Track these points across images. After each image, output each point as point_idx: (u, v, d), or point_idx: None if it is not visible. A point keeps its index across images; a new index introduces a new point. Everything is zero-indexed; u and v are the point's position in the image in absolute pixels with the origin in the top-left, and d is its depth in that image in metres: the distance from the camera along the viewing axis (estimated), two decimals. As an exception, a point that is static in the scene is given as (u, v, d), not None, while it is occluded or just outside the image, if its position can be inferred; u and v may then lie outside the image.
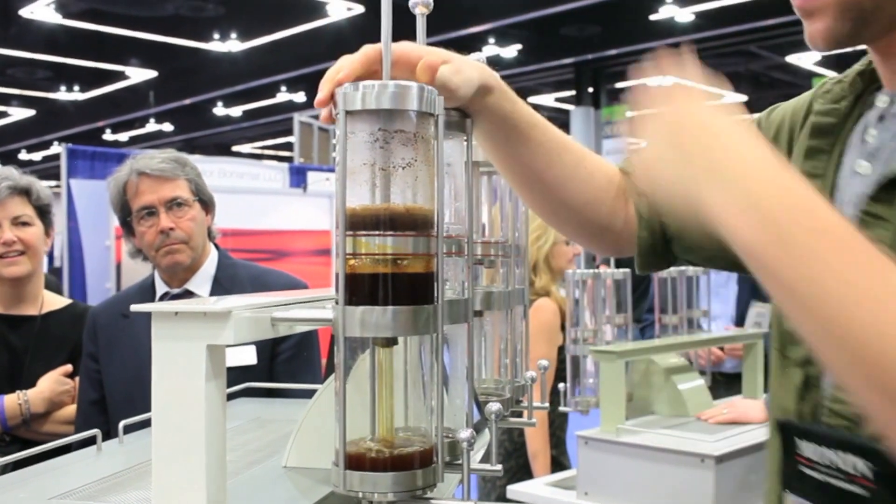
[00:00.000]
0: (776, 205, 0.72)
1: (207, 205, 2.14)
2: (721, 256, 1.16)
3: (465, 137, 1.00)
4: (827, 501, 0.89)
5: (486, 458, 1.04)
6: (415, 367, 0.88)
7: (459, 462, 0.89)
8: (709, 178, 0.76)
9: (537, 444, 3.14)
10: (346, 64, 0.88)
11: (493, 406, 0.95)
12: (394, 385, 0.85)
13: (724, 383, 3.15)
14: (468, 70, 0.95)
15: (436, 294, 0.83)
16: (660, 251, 1.19)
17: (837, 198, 0.97)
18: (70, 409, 2.20)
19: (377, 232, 0.81)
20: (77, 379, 2.22)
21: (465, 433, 0.84)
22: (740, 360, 3.20)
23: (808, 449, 0.92)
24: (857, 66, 1.03)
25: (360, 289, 0.80)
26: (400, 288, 0.81)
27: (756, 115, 1.18)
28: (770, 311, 1.08)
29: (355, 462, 0.81)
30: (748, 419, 2.58)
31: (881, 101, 0.97)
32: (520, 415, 1.21)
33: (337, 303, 0.81)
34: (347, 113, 0.81)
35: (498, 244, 1.17)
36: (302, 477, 1.08)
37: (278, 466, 1.13)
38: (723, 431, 2.46)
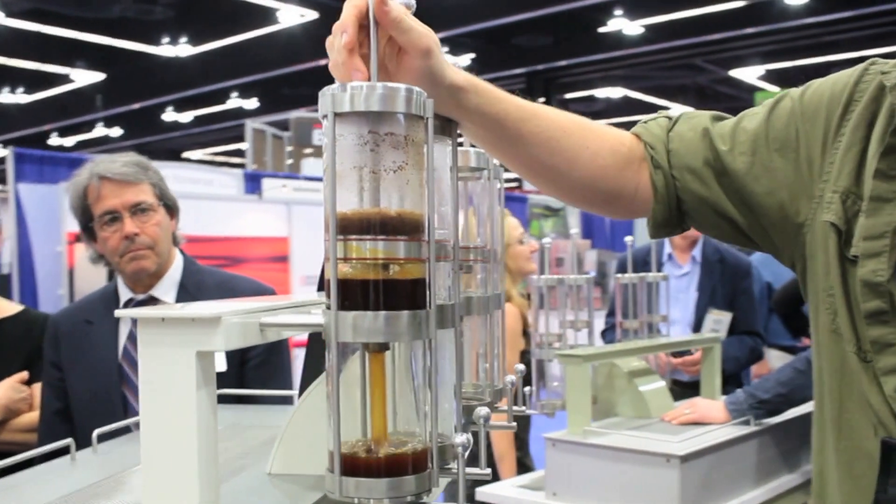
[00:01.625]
0: None
1: (172, 209, 2.10)
2: (733, 234, 1.17)
3: (449, 142, 1.00)
4: None
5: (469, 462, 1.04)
6: (408, 372, 0.87)
7: (449, 467, 0.89)
8: None
9: (503, 446, 3.15)
10: (344, 23, 0.87)
11: (482, 410, 0.95)
12: (386, 390, 0.84)
13: (681, 392, 3.17)
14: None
15: (428, 299, 0.83)
16: (673, 221, 1.20)
17: None
18: (28, 417, 2.15)
19: (369, 236, 0.80)
20: (34, 386, 2.17)
21: (459, 438, 0.84)
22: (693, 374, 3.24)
23: None
24: None
25: (352, 294, 0.80)
26: (392, 293, 0.80)
27: (789, 91, 1.15)
28: (820, 317, 1.07)
29: (350, 468, 0.80)
30: (710, 419, 2.63)
31: None
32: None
33: (328, 307, 0.80)
34: (336, 115, 0.80)
35: (477, 249, 1.17)
36: (288, 484, 1.07)
37: (262, 474, 1.11)
38: (686, 432, 2.51)
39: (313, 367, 1.30)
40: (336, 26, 0.89)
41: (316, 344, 1.31)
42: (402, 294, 0.81)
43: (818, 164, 1.07)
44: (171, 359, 0.80)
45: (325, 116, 0.80)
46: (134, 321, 2.01)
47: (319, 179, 10.00)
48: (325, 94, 0.80)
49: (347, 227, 0.80)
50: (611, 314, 3.60)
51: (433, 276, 0.83)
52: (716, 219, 1.16)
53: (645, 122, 1.22)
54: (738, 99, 16.08)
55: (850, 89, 1.07)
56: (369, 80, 0.89)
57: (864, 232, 1.00)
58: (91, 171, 2.01)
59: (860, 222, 1.01)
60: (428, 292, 0.83)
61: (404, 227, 0.82)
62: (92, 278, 5.86)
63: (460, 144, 1.14)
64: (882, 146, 1.00)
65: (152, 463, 0.82)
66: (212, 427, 0.84)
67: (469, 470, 0.92)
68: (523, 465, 3.24)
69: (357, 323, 0.79)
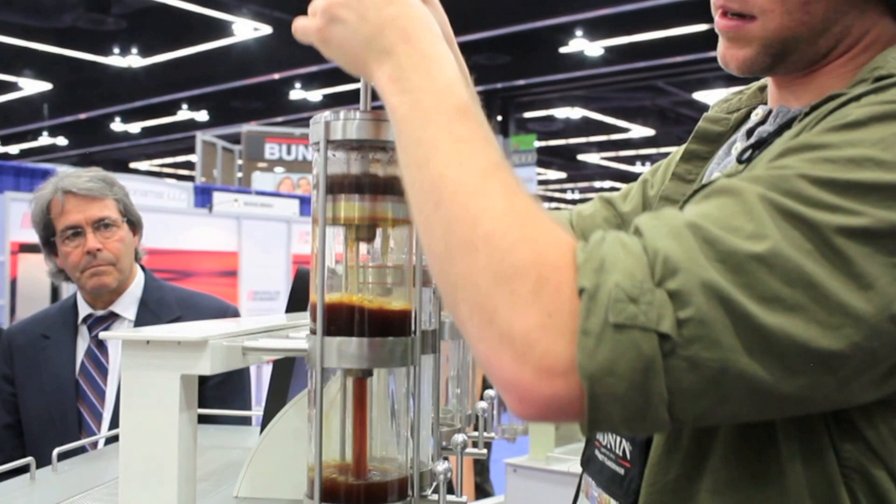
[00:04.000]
0: (426, 83, 0.72)
1: (135, 225, 2.08)
2: None
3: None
4: (602, 480, 0.94)
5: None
6: (388, 398, 0.87)
7: (425, 494, 0.89)
8: (380, 47, 0.75)
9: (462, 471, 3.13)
10: None
11: (459, 437, 0.95)
12: (368, 416, 0.84)
13: None
14: None
15: (413, 326, 0.83)
16: None
17: None
18: None
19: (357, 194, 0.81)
20: None
21: (441, 465, 0.84)
22: None
23: (601, 435, 0.95)
24: (759, 82, 1.04)
25: (337, 319, 0.79)
26: (377, 319, 0.80)
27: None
28: None
29: (330, 494, 0.80)
30: None
31: (755, 114, 0.98)
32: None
33: (313, 332, 0.79)
34: (328, 142, 0.80)
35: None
36: (257, 508, 1.06)
37: (230, 497, 1.10)
38: None
39: (279, 391, 1.29)
40: None
41: (281, 369, 1.30)
42: (388, 320, 0.81)
43: None
44: (154, 382, 0.79)
45: (316, 143, 0.80)
46: (92, 337, 1.98)
47: (270, 194, 10.01)
48: (318, 122, 0.81)
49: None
50: None
51: (420, 301, 0.83)
52: None
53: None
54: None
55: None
56: None
57: None
58: (56, 185, 1.98)
59: None
60: (413, 318, 0.83)
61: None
62: (34, 290, 5.75)
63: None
64: (683, 151, 1.05)
65: (131, 484, 0.80)
66: (192, 450, 0.83)
67: (449, 498, 0.92)
68: (483, 491, 3.23)
69: (342, 349, 0.78)
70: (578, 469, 2.41)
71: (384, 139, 0.80)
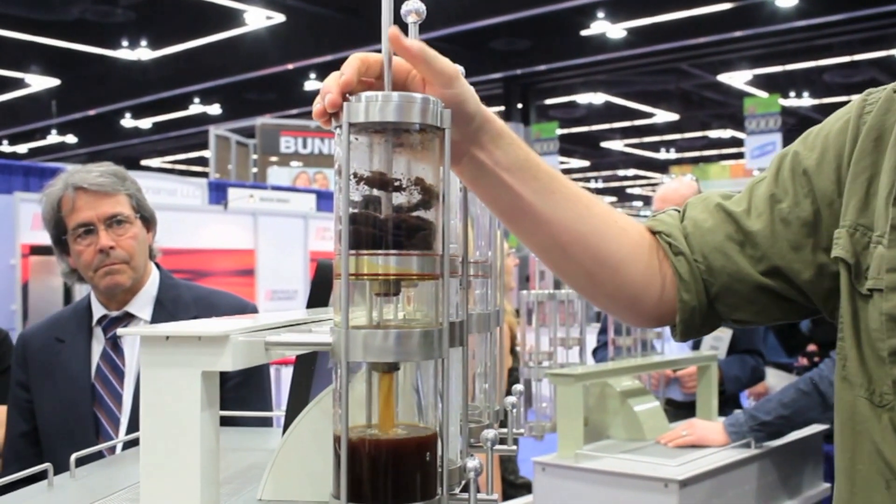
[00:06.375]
0: None
1: (149, 222, 2.02)
2: (774, 307, 1.09)
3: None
4: None
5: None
6: (414, 394, 0.84)
7: (454, 493, 0.86)
8: None
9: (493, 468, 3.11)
10: (344, 69, 0.82)
11: (489, 433, 0.92)
12: (395, 413, 0.81)
13: (675, 412, 3.03)
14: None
15: (440, 317, 0.79)
16: (703, 313, 1.10)
17: None
18: None
19: (381, 251, 0.77)
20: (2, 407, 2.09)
21: (472, 462, 0.80)
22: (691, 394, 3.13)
23: None
24: None
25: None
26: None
27: (791, 147, 1.11)
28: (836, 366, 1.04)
29: (356, 494, 0.76)
30: (708, 442, 2.53)
31: None
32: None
33: (338, 325, 0.76)
34: (351, 125, 0.77)
35: (478, 263, 1.14)
36: (282, 510, 1.03)
37: (253, 499, 1.07)
38: (683, 455, 2.40)
39: (301, 390, 1.26)
40: (335, 72, 0.82)
41: (302, 367, 1.27)
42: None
43: (837, 205, 1.02)
44: (175, 379, 0.76)
45: (338, 127, 0.77)
46: (108, 340, 1.94)
47: (287, 189, 9.98)
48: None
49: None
50: (602, 331, 3.49)
51: (447, 292, 0.80)
52: (751, 293, 1.08)
53: (653, 216, 1.16)
54: (725, 105, 15.89)
55: (854, 123, 1.03)
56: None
57: (887, 263, 0.94)
58: (66, 181, 1.93)
59: (880, 253, 0.95)
60: (441, 309, 0.79)
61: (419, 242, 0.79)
62: (47, 293, 5.74)
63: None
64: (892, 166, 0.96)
65: (153, 487, 0.78)
66: (214, 450, 0.80)
67: (479, 496, 0.89)
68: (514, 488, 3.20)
69: (367, 342, 0.75)
70: (609, 467, 2.37)
71: (409, 121, 0.77)
